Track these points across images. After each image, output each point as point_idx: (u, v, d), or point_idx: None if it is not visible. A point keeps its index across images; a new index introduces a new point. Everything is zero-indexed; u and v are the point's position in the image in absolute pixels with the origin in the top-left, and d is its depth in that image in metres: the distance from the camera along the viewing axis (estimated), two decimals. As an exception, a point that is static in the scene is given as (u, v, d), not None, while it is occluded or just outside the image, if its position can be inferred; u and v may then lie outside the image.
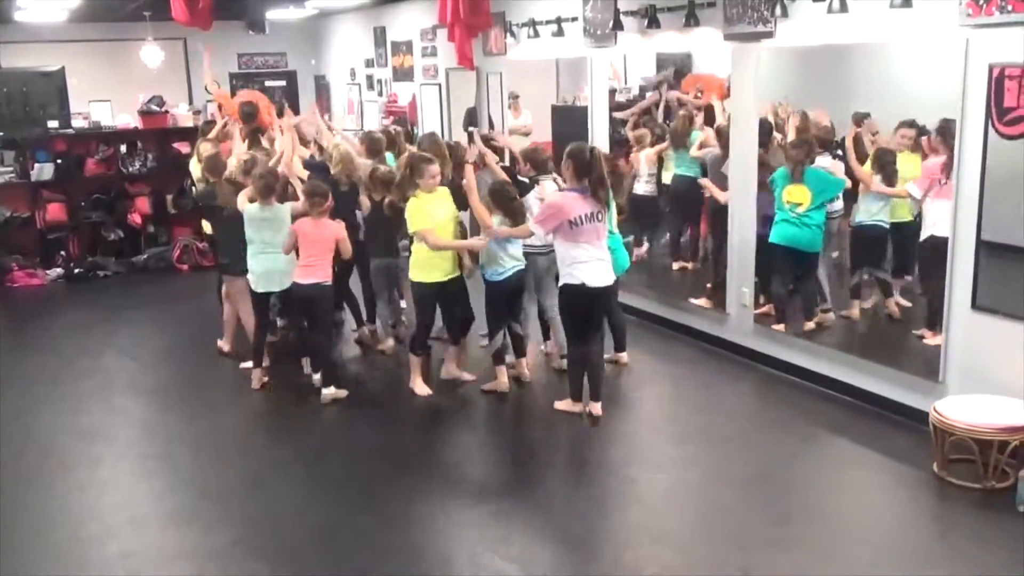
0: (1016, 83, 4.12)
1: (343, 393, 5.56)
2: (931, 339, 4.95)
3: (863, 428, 4.90)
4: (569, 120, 7.75)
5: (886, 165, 5.30)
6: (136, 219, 9.38)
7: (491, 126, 8.72)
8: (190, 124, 9.74)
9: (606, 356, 5.56)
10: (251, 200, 5.62)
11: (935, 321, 4.85)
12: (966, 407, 4.23)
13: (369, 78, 11.94)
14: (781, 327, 5.70)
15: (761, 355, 5.86)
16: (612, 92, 7.28)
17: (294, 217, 5.58)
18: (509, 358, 5.64)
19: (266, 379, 5.85)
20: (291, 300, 5.67)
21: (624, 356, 5.99)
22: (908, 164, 5.23)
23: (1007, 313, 4.30)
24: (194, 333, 7.09)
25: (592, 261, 4.86)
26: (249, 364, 5.91)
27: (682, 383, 5.76)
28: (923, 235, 4.99)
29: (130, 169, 9.43)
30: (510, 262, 5.34)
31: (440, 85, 9.94)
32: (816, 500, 4.21)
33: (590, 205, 4.85)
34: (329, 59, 13.56)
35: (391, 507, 4.21)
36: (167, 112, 9.63)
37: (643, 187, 7.04)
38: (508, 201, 5.24)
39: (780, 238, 5.54)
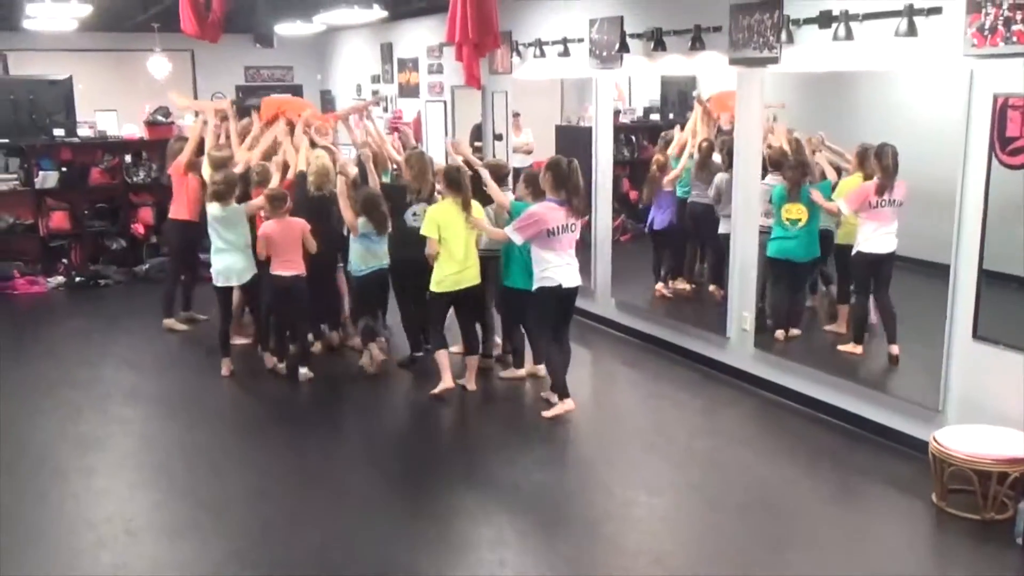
0: (1019, 113, 4.15)
1: (310, 374, 6.13)
2: (852, 350, 5.44)
3: (863, 456, 4.90)
4: (573, 140, 7.79)
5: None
6: (139, 229, 9.40)
7: (497, 137, 8.77)
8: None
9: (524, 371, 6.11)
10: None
11: (860, 335, 5.44)
12: (966, 437, 4.23)
13: (375, 94, 12.01)
14: (780, 334, 5.84)
15: (761, 380, 5.86)
16: (616, 113, 7.33)
17: (252, 216, 6.09)
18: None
19: (247, 342, 6.50)
20: (270, 291, 6.08)
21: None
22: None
23: (1008, 344, 4.31)
24: (193, 344, 7.10)
25: (564, 265, 5.31)
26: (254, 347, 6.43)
27: (681, 407, 5.75)
28: (853, 250, 5.37)
29: (134, 179, 9.45)
30: (372, 262, 6.02)
31: (445, 102, 10.00)
32: (814, 528, 4.20)
33: (566, 215, 5.23)
34: (335, 74, 13.65)
35: (387, 523, 4.20)
36: (173, 123, 9.66)
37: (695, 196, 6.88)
38: (456, 184, 5.61)
39: (778, 253, 5.75)
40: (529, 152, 8.43)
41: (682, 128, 6.82)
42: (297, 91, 13.75)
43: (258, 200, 6.10)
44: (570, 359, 5.62)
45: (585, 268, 7.22)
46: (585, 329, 7.24)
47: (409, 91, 11.01)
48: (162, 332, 7.38)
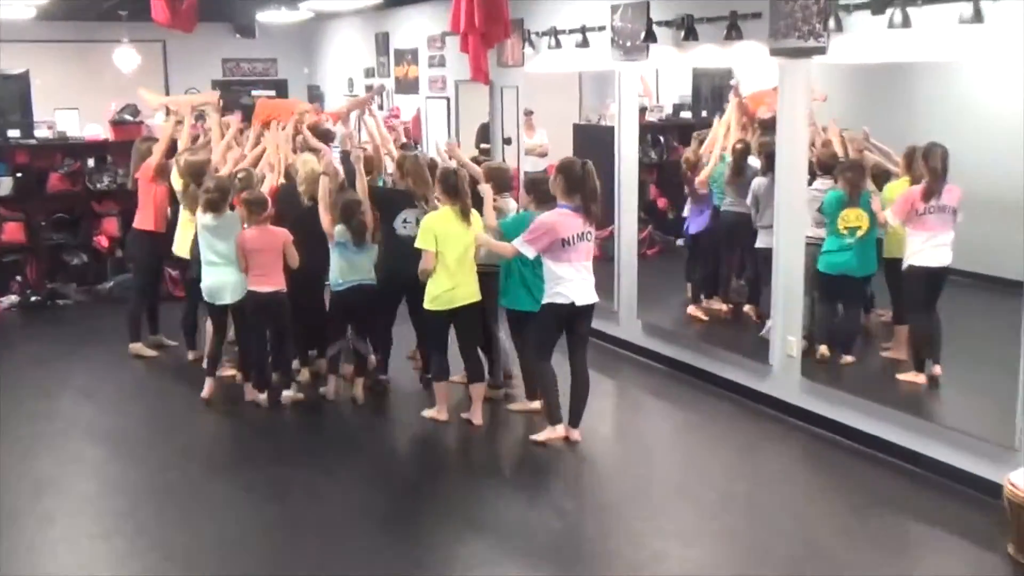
0: (1103, 111, 4.13)
1: (300, 396, 6.30)
2: (914, 379, 5.44)
3: (927, 501, 4.85)
4: (593, 141, 7.81)
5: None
6: (102, 242, 9.41)
7: (506, 141, 8.81)
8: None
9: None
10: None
11: (922, 362, 5.42)
12: (1046, 480, 4.18)
13: (369, 89, 12.09)
14: (824, 349, 5.85)
15: (810, 413, 5.82)
16: (642, 110, 7.34)
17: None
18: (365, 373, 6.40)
19: (233, 373, 6.50)
20: (245, 311, 6.11)
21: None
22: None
23: (1093, 372, 4.27)
24: (163, 372, 7.12)
25: (578, 279, 5.33)
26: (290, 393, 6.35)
27: (718, 444, 5.72)
28: (904, 264, 5.41)
29: (98, 186, 9.47)
30: (351, 275, 6.00)
31: (448, 99, 10.04)
32: (872, 583, 4.16)
33: (582, 223, 5.27)
34: (324, 67, 13.75)
35: (382, 579, 4.18)
36: (142, 123, 9.70)
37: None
38: (452, 189, 5.66)
39: (833, 267, 5.75)
40: (543, 155, 8.45)
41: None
42: (281, 86, 13.85)
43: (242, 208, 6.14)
44: (588, 389, 5.60)
45: (607, 286, 7.25)
46: (607, 355, 7.23)
47: (407, 86, 11.07)
48: (128, 358, 7.39)
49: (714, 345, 6.65)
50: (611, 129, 7.37)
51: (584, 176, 5.28)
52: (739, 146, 6.52)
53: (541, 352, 5.54)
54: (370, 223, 6.06)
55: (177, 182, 6.83)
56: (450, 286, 5.65)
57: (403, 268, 5.90)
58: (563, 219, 5.28)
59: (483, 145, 9.27)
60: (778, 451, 5.59)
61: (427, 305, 5.74)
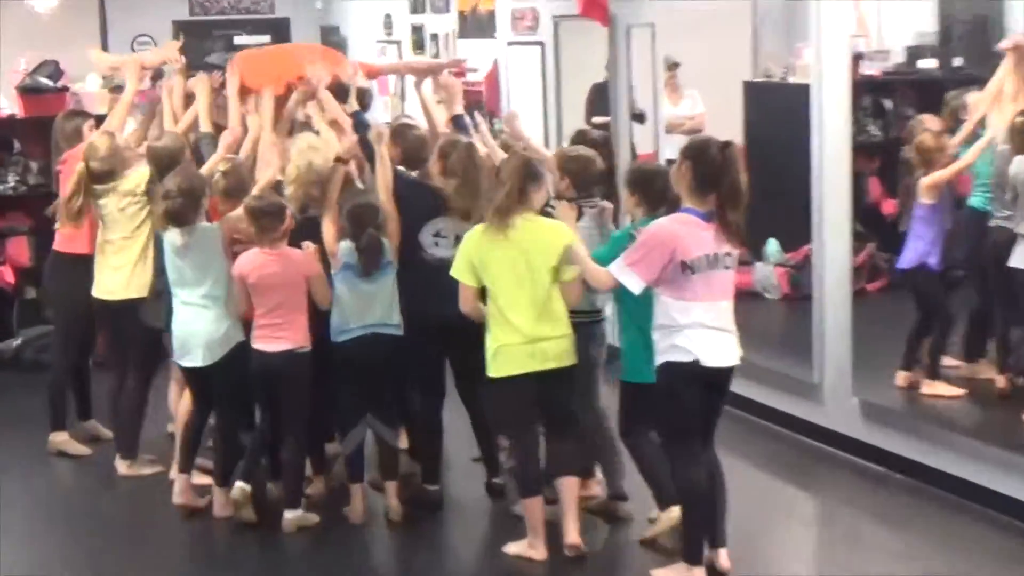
0: None
1: (313, 518, 6.27)
2: None
3: None
4: (775, 107, 7.83)
5: None
6: (6, 276, 9.61)
7: (637, 118, 8.75)
8: (104, 111, 10.02)
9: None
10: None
11: None
12: None
13: (417, 31, 12.22)
14: None
15: None
16: (856, 59, 7.25)
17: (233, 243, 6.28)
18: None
19: (202, 502, 6.45)
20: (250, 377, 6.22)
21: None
22: None
23: None
24: (99, 481, 7.19)
25: (709, 328, 5.27)
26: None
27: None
28: None
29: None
30: (360, 318, 6.10)
31: (543, 44, 10.08)
32: None
33: (716, 239, 5.25)
34: (347, 2, 13.94)
35: None
36: (66, 90, 9.92)
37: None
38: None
39: None
40: (696, 132, 8.38)
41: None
42: (280, 28, 14.07)
43: (236, 213, 6.18)
44: (725, 489, 5.56)
45: (801, 342, 7.22)
46: (800, 453, 7.23)
47: (476, 27, 11.16)
48: (46, 457, 7.51)
49: (980, 439, 6.50)
50: (804, 89, 7.31)
51: (724, 165, 5.20)
52: (1021, 119, 6.37)
53: (674, 444, 5.44)
54: (395, 236, 6.15)
55: (74, 181, 6.86)
56: (517, 339, 5.62)
57: (435, 307, 5.97)
58: (687, 230, 5.22)
59: (597, 119, 9.24)
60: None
61: (489, 372, 5.73)
